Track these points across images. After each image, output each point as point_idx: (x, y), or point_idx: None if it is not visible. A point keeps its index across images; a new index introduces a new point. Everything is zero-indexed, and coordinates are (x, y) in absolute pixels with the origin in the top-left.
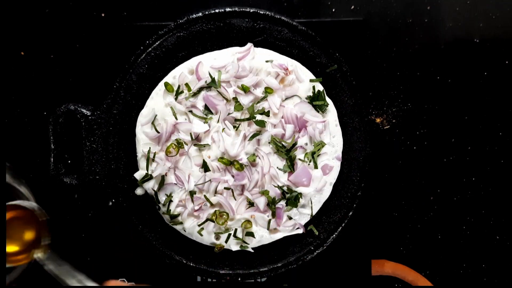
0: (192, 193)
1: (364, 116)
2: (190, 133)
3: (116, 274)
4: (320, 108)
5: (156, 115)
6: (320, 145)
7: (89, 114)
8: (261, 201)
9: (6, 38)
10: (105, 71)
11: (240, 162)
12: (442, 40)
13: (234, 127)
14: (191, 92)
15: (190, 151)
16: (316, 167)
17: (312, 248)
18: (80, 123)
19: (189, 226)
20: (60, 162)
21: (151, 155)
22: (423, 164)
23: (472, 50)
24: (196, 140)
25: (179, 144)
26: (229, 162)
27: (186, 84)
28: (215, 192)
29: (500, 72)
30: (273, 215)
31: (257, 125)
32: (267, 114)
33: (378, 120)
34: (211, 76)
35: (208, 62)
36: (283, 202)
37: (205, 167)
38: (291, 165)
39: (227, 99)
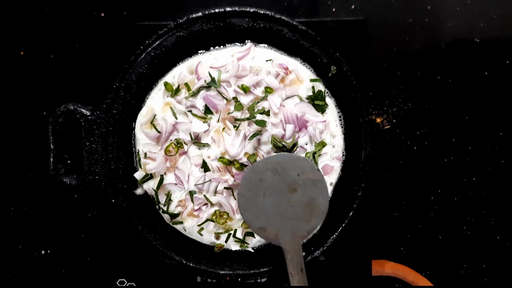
0: (192, 193)
1: (365, 116)
2: (190, 133)
3: (116, 274)
4: (320, 108)
5: (155, 115)
6: (321, 145)
7: (88, 114)
8: None
9: (5, 38)
10: (105, 71)
11: (240, 162)
12: (443, 40)
13: (234, 126)
14: (190, 91)
15: (190, 151)
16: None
17: (312, 248)
18: (80, 123)
19: (189, 226)
20: (59, 162)
21: (151, 155)
22: (423, 164)
23: (472, 50)
24: (196, 139)
25: (179, 144)
26: (229, 162)
27: (186, 84)
28: (215, 192)
29: (500, 72)
30: None
31: (257, 125)
32: (267, 113)
33: (378, 120)
34: (211, 76)
35: (208, 62)
36: None
37: (205, 167)
38: None
39: (227, 99)
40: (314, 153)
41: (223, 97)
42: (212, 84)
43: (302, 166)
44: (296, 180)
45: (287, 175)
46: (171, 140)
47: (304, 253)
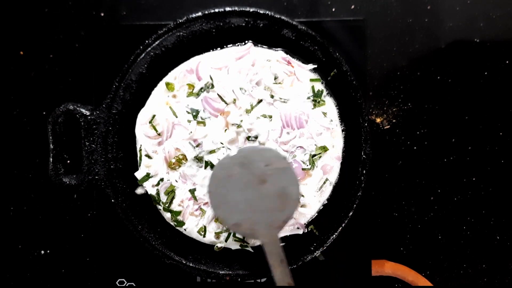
0: (192, 192)
1: (364, 116)
2: (189, 134)
3: (116, 274)
4: (320, 108)
5: (155, 115)
6: (322, 149)
7: (88, 114)
8: None
9: (5, 38)
10: (105, 71)
11: None
12: (442, 40)
13: (235, 126)
14: (191, 92)
15: (190, 152)
16: (312, 168)
17: (312, 248)
18: (79, 123)
19: (190, 225)
20: (59, 162)
21: (151, 155)
22: (423, 164)
23: (472, 50)
24: (195, 140)
25: (182, 157)
26: None
27: (187, 84)
28: None
29: (500, 72)
30: None
31: (257, 126)
32: (269, 116)
33: (378, 120)
34: (211, 78)
35: (208, 62)
36: None
37: (206, 166)
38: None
39: (226, 102)
40: (313, 155)
41: (223, 100)
42: (212, 87)
43: (268, 156)
44: (264, 171)
45: (255, 168)
46: (171, 141)
47: (304, 254)
